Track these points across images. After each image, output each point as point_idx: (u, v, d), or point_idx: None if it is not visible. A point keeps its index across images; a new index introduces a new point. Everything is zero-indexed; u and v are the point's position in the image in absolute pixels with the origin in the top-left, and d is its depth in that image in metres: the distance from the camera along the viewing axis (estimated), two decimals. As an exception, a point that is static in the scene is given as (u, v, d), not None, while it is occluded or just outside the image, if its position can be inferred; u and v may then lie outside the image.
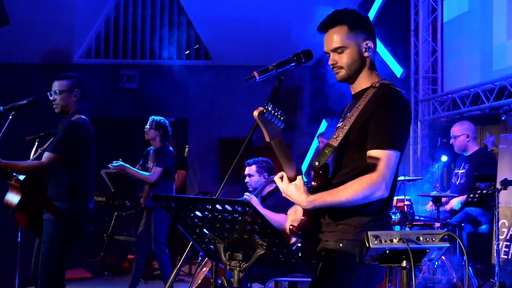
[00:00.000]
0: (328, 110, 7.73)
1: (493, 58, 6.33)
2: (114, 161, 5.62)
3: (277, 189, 4.55)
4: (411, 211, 5.08)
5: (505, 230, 5.11)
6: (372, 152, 2.23)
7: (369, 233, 1.89)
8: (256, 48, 8.75)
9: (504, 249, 5.03)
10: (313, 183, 2.33)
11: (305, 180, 2.28)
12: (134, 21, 9.75)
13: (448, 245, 1.91)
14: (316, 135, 7.83)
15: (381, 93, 2.30)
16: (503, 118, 5.84)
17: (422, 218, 5.41)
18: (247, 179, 4.75)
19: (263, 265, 2.09)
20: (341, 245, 2.27)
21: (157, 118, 5.88)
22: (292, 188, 2.22)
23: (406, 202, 5.03)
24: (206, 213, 2.02)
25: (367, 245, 1.88)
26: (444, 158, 6.37)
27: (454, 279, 4.89)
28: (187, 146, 9.27)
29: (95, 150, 4.06)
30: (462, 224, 4.97)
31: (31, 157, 4.10)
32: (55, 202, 3.82)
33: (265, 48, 8.36)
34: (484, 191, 4.68)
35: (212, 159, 9.59)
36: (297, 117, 9.07)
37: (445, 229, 4.75)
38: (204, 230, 2.12)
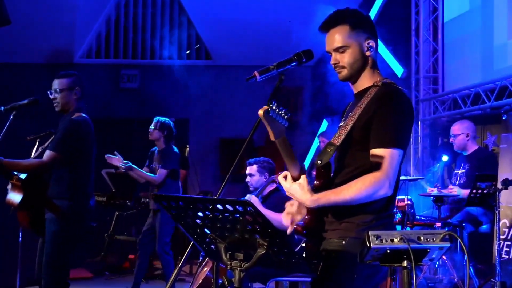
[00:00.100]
0: (328, 110, 7.74)
1: (494, 57, 6.32)
2: (124, 160, 5.52)
3: (278, 189, 4.56)
4: (412, 211, 5.09)
5: (506, 230, 5.10)
6: (375, 151, 2.23)
7: (370, 233, 1.88)
8: (256, 48, 8.74)
9: (505, 248, 5.03)
10: (315, 182, 2.33)
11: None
12: (134, 21, 9.75)
13: (449, 245, 1.91)
14: (317, 135, 7.83)
15: (383, 92, 2.30)
16: (504, 118, 5.84)
17: (423, 218, 5.41)
18: (248, 179, 4.74)
19: (264, 265, 2.09)
20: (343, 242, 2.27)
21: (161, 119, 5.80)
22: (296, 187, 2.22)
23: (407, 202, 5.03)
24: (207, 213, 2.02)
25: (368, 245, 1.88)
26: (445, 158, 6.36)
27: (455, 279, 4.89)
28: (187, 146, 9.26)
29: (96, 149, 4.05)
30: (463, 224, 4.99)
31: (32, 156, 4.10)
32: (56, 201, 3.82)
33: (265, 48, 8.35)
34: (485, 191, 4.68)
35: (213, 159, 9.59)
36: (297, 117, 9.06)
37: (446, 228, 4.76)
38: (205, 230, 2.12)
